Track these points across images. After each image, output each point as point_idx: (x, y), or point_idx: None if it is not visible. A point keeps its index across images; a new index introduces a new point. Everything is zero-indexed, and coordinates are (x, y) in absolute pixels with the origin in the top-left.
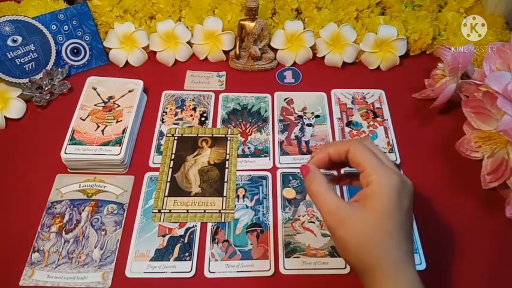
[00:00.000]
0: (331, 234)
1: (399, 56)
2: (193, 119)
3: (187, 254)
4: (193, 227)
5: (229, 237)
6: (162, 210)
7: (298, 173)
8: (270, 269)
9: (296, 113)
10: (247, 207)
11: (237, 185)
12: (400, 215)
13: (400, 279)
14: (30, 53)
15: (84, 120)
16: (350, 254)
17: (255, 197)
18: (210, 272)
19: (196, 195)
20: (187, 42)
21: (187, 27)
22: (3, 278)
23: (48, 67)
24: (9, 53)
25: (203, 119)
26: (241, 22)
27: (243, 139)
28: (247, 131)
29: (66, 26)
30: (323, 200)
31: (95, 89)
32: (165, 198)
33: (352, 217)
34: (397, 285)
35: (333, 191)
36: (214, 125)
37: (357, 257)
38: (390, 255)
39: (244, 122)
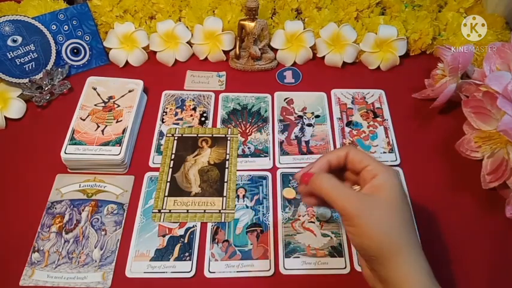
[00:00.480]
0: (349, 221)
1: (399, 56)
2: (193, 119)
3: (187, 254)
4: (193, 227)
5: (229, 237)
6: (162, 210)
7: None
8: (270, 269)
9: (296, 113)
10: (247, 207)
11: (237, 185)
12: (408, 204)
13: (418, 262)
14: (30, 53)
15: (84, 120)
16: (371, 241)
17: (255, 197)
18: (210, 272)
19: (196, 195)
20: (187, 42)
21: (187, 27)
22: (3, 278)
23: (48, 67)
24: (9, 53)
25: (203, 119)
26: (241, 22)
27: (243, 139)
28: (247, 131)
29: (66, 26)
30: (339, 190)
31: (95, 89)
32: (165, 198)
33: (373, 205)
34: (417, 268)
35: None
36: (214, 125)
37: (378, 244)
38: (409, 241)
39: (244, 122)
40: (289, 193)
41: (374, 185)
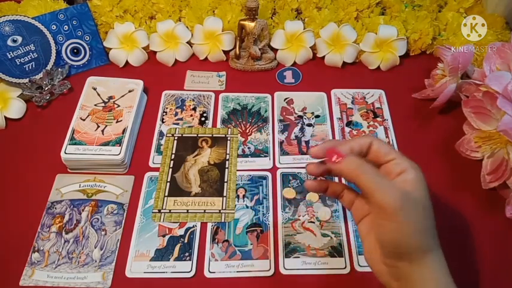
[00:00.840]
0: (388, 216)
1: (399, 56)
2: (193, 119)
3: (187, 254)
4: (193, 227)
5: (229, 237)
6: (162, 210)
7: (298, 172)
8: (270, 269)
9: (296, 113)
10: (247, 207)
11: (237, 185)
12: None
13: (442, 262)
14: (30, 53)
15: (84, 120)
16: (410, 238)
17: (255, 197)
18: (210, 272)
19: (196, 195)
20: (187, 42)
21: (187, 27)
22: (3, 278)
23: (48, 67)
24: (9, 53)
25: (203, 119)
26: (241, 22)
27: (243, 139)
28: (247, 131)
29: (66, 26)
30: (382, 182)
31: (95, 89)
32: (165, 198)
33: (413, 202)
34: (441, 268)
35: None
36: (214, 125)
37: (416, 242)
38: (437, 241)
39: (244, 122)
40: (289, 193)
41: (406, 179)
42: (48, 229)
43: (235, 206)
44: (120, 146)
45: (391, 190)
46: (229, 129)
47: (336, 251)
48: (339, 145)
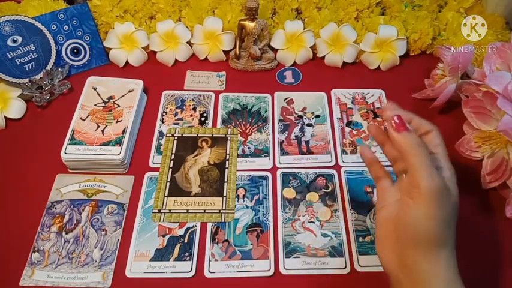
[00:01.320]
0: (421, 199)
1: (399, 56)
2: (193, 119)
3: (187, 254)
4: (193, 227)
5: (229, 237)
6: (162, 210)
7: (298, 172)
8: (270, 269)
9: (296, 113)
10: (247, 207)
11: (237, 185)
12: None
13: (454, 260)
14: (30, 53)
15: (84, 120)
16: (433, 225)
17: (255, 197)
18: (210, 272)
19: (196, 195)
20: (187, 42)
21: (187, 27)
22: (3, 278)
23: (48, 67)
24: (9, 53)
25: (203, 119)
26: (241, 22)
27: (243, 139)
28: (247, 131)
29: (66, 26)
30: (431, 168)
31: (95, 89)
32: (165, 198)
33: (450, 194)
34: (453, 265)
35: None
36: (214, 125)
37: (437, 231)
38: (455, 240)
39: (244, 122)
40: (289, 193)
41: (443, 175)
42: (48, 229)
43: (235, 206)
44: (120, 146)
45: (435, 176)
46: (229, 129)
47: (336, 251)
48: (404, 113)
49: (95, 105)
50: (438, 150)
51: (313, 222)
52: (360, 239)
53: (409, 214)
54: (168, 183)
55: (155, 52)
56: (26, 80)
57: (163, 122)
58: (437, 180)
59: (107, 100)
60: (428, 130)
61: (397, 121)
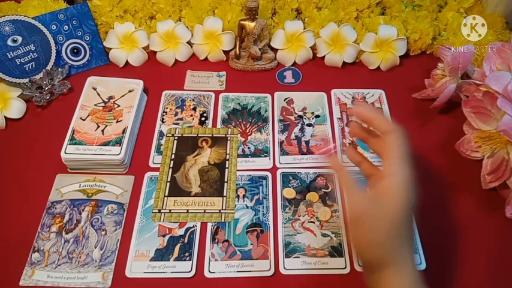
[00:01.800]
0: (352, 223)
1: (399, 56)
2: (193, 119)
3: (187, 254)
4: (193, 227)
5: (229, 237)
6: (162, 210)
7: (298, 172)
8: (270, 269)
9: (296, 113)
10: (247, 207)
11: (237, 185)
12: (412, 215)
13: (410, 274)
14: (30, 53)
15: (84, 120)
16: (363, 249)
17: (255, 197)
18: (210, 272)
19: (196, 195)
20: (187, 42)
21: (187, 27)
22: (3, 278)
23: (48, 67)
24: (9, 53)
25: (203, 119)
26: (241, 22)
27: (243, 139)
28: (247, 131)
29: (66, 26)
30: (353, 190)
31: (95, 89)
32: (165, 198)
33: (378, 212)
34: (409, 281)
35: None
36: (214, 125)
37: (374, 252)
38: (402, 256)
39: (244, 122)
40: (289, 193)
41: (384, 186)
42: (48, 229)
43: (235, 206)
44: (120, 146)
45: (352, 201)
46: (229, 129)
47: (336, 251)
48: (366, 111)
49: (95, 105)
50: (394, 153)
51: (313, 222)
52: None
53: (353, 242)
54: (168, 183)
55: (155, 52)
56: (26, 80)
57: (163, 122)
58: (355, 205)
59: (107, 100)
60: (388, 130)
61: (326, 152)
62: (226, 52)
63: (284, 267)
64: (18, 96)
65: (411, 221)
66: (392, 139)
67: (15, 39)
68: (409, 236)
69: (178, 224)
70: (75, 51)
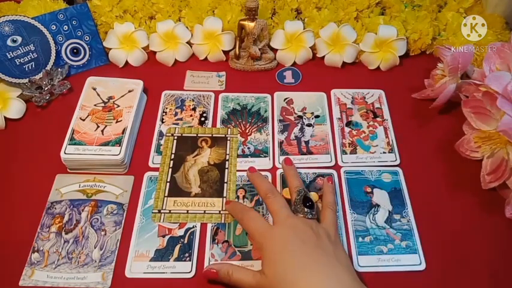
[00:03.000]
0: None
1: (399, 56)
2: (193, 119)
3: (187, 254)
4: (193, 227)
5: (229, 238)
6: (162, 211)
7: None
8: None
9: (296, 113)
10: None
11: (237, 185)
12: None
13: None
14: (30, 53)
15: (83, 120)
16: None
17: (255, 198)
18: None
19: (196, 195)
20: (187, 42)
21: (187, 27)
22: (3, 278)
23: (48, 67)
24: (9, 53)
25: (203, 119)
26: (241, 22)
27: (243, 139)
28: (247, 131)
29: (65, 26)
30: (242, 272)
31: (94, 89)
32: (165, 198)
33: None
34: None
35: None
36: (214, 125)
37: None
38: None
39: (244, 122)
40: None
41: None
42: (47, 229)
43: None
44: (119, 146)
45: (248, 275)
46: (229, 129)
47: None
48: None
49: (95, 105)
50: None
51: None
52: (360, 239)
53: None
54: (168, 184)
55: (155, 52)
56: (26, 80)
57: (163, 122)
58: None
59: (106, 100)
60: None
61: (207, 275)
62: (226, 52)
63: None
64: (17, 97)
65: (308, 233)
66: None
67: (14, 39)
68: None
69: (178, 224)
70: (75, 52)
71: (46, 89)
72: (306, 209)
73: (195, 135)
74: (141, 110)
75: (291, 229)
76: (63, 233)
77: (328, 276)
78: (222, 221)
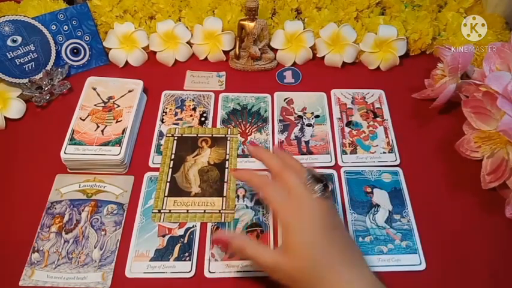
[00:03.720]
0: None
1: (399, 56)
2: (193, 119)
3: (187, 254)
4: (193, 227)
5: None
6: (162, 210)
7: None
8: None
9: (296, 113)
10: (247, 207)
11: (237, 185)
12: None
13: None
14: (30, 53)
15: (84, 120)
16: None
17: (255, 197)
18: (210, 272)
19: (196, 195)
20: (187, 42)
21: (187, 27)
22: (3, 278)
23: (48, 67)
24: (9, 53)
25: (203, 119)
26: (241, 22)
27: (243, 139)
28: (247, 131)
29: (66, 26)
30: (259, 247)
31: (94, 89)
32: (165, 198)
33: (290, 254)
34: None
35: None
36: (214, 125)
37: (307, 285)
38: (333, 265)
39: (244, 122)
40: None
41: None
42: (48, 229)
43: (235, 206)
44: (119, 146)
45: (265, 254)
46: (229, 129)
47: None
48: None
49: (95, 105)
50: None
51: None
52: (360, 239)
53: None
54: (168, 184)
55: (155, 52)
56: (26, 80)
57: (163, 122)
58: (267, 257)
59: (106, 100)
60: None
61: (217, 242)
62: (226, 52)
63: None
64: (17, 97)
65: (336, 218)
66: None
67: (14, 39)
68: (339, 236)
69: (178, 224)
70: (75, 52)
71: (46, 89)
72: (323, 190)
73: (195, 135)
74: (141, 110)
75: (323, 212)
76: (63, 233)
77: (359, 278)
78: (222, 221)
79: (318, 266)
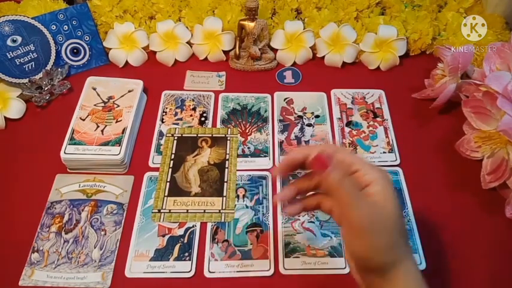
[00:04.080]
0: (355, 234)
1: (399, 56)
2: (193, 119)
3: (186, 254)
4: (193, 226)
5: (229, 237)
6: (161, 210)
7: (298, 172)
8: (269, 269)
9: (296, 113)
10: (247, 207)
11: (236, 185)
12: (401, 211)
13: (414, 274)
14: (30, 53)
15: (83, 120)
16: (379, 255)
17: (255, 197)
18: (210, 272)
19: (196, 195)
20: (187, 42)
21: (187, 27)
22: (3, 278)
23: (48, 67)
24: (9, 53)
25: (203, 119)
26: (241, 22)
27: (243, 139)
28: (247, 131)
29: (66, 26)
30: (359, 200)
31: (94, 89)
32: (165, 198)
33: (383, 217)
34: (413, 280)
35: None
36: (214, 125)
37: (385, 257)
38: (407, 253)
39: (244, 122)
40: None
41: (373, 192)
42: (47, 229)
43: (235, 206)
44: (119, 146)
45: (361, 208)
46: (229, 129)
47: (335, 251)
48: (306, 148)
49: (95, 105)
50: (355, 166)
51: (313, 222)
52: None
53: (354, 249)
54: (168, 183)
55: (155, 52)
56: (26, 80)
57: (163, 122)
58: (362, 212)
59: (106, 100)
60: (333, 151)
61: (314, 160)
62: (226, 52)
63: (284, 267)
64: (17, 97)
65: (403, 217)
66: (342, 157)
67: (14, 39)
68: (406, 233)
69: (177, 224)
70: (75, 51)
71: (46, 89)
72: None
73: (195, 135)
74: (141, 110)
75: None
76: (63, 232)
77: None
78: (222, 220)
79: (396, 247)
